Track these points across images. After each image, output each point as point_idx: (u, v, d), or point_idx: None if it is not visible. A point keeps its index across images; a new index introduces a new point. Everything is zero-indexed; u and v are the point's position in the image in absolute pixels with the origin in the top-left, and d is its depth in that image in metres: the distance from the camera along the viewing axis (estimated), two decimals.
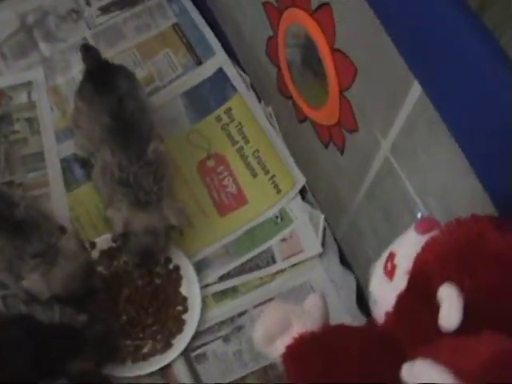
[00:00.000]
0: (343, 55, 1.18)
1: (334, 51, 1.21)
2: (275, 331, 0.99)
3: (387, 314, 0.88)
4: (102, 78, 1.49)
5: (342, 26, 1.16)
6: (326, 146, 1.43)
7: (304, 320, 0.99)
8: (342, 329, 0.97)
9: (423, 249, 0.83)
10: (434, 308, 0.78)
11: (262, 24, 1.49)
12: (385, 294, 0.88)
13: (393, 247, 0.90)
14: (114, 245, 1.57)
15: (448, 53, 0.87)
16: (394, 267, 0.87)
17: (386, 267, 0.88)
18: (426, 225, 0.87)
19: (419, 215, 1.07)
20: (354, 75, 1.17)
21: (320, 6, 1.20)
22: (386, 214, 1.30)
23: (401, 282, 0.85)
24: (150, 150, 1.44)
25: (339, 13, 1.15)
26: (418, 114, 1.05)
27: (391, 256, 0.88)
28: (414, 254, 0.85)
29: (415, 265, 0.83)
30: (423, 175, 1.12)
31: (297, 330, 0.98)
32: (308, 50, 1.31)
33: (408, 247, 0.87)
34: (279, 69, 1.51)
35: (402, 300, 0.85)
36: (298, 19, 1.30)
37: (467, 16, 0.83)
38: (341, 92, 1.25)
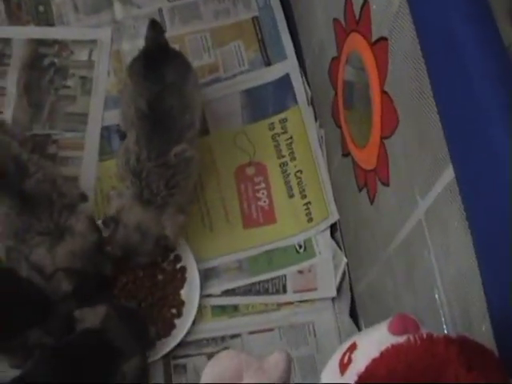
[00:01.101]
0: (390, 100, 1.12)
1: (383, 93, 1.15)
2: (224, 379, 0.92)
3: None
4: (154, 63, 1.44)
5: (394, 71, 1.10)
6: (360, 190, 1.37)
7: (257, 377, 0.92)
8: None
9: (381, 356, 0.74)
10: None
11: (329, 41, 1.44)
12: None
13: (358, 337, 0.82)
14: None
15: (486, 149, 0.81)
16: (349, 361, 0.79)
17: (343, 357, 0.80)
18: (400, 326, 0.79)
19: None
20: (396, 126, 1.11)
21: (379, 40, 1.14)
22: (408, 280, 1.22)
23: (349, 381, 0.76)
24: (173, 153, 1.40)
25: (395, 55, 1.09)
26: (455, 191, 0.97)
27: (352, 347, 0.81)
28: (374, 354, 0.76)
29: (365, 372, 0.74)
30: (446, 252, 1.05)
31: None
32: (362, 83, 1.25)
33: (372, 344, 0.79)
34: (336, 93, 1.45)
35: None
36: (358, 47, 1.25)
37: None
38: (381, 139, 1.19)
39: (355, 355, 0.79)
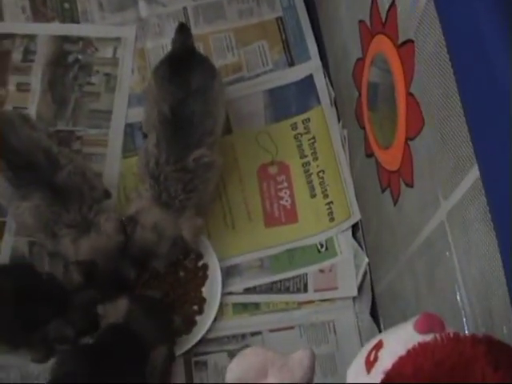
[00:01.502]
0: (415, 102, 1.13)
1: (409, 95, 1.16)
2: (249, 377, 0.94)
3: None
4: (180, 67, 1.45)
5: (420, 73, 1.10)
6: (383, 191, 1.37)
7: (282, 375, 0.94)
8: None
9: (407, 354, 0.76)
10: None
11: (354, 43, 1.45)
12: None
13: (384, 336, 0.84)
14: None
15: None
16: (375, 359, 0.80)
17: (369, 355, 0.82)
18: (426, 324, 0.80)
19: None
20: (421, 127, 1.12)
21: (405, 42, 1.14)
22: (429, 280, 1.23)
23: (376, 379, 0.78)
24: (192, 157, 1.41)
25: (421, 57, 1.09)
26: (478, 192, 0.97)
27: (378, 345, 0.82)
28: (400, 353, 0.77)
29: (392, 370, 0.75)
30: (467, 253, 1.05)
31: (271, 381, 0.92)
32: (387, 84, 1.25)
33: (398, 343, 0.80)
34: (360, 94, 1.46)
35: None
36: (384, 49, 1.25)
37: None
38: (406, 140, 1.19)
39: (381, 353, 0.81)
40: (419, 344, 0.76)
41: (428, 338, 0.79)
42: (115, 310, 1.39)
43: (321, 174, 1.65)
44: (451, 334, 0.76)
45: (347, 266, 1.57)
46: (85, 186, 1.44)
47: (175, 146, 1.40)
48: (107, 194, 1.56)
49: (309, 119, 1.69)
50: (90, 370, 1.27)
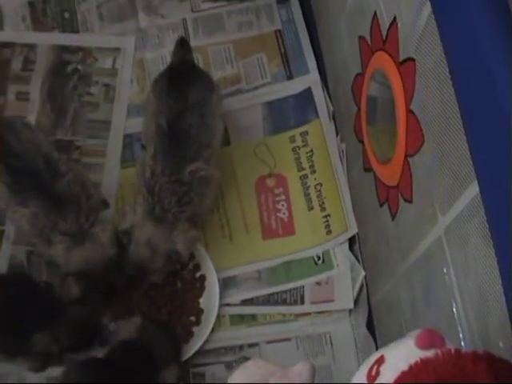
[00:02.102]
0: (416, 119, 1.15)
1: (409, 112, 1.18)
2: None
3: None
4: (179, 81, 1.47)
5: (420, 90, 1.12)
6: (381, 205, 1.39)
7: None
8: None
9: (410, 369, 0.78)
10: None
11: (354, 58, 1.47)
12: None
13: (385, 351, 0.85)
14: None
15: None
16: (377, 374, 0.82)
17: (370, 370, 0.84)
18: (427, 340, 0.82)
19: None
20: (421, 144, 1.14)
21: (406, 60, 1.16)
22: (425, 294, 1.25)
23: None
24: (188, 170, 1.42)
25: (421, 75, 1.11)
26: (477, 208, 0.99)
27: (380, 360, 0.84)
28: (402, 368, 0.80)
29: None
30: (465, 268, 1.07)
31: None
32: (386, 100, 1.27)
33: (400, 358, 0.82)
34: (359, 109, 1.48)
35: None
36: (384, 65, 1.27)
37: None
38: (406, 156, 1.22)
39: (383, 368, 0.82)
40: (421, 360, 0.78)
41: (429, 353, 0.81)
42: (128, 327, 1.41)
43: (318, 187, 1.67)
44: (452, 351, 0.78)
45: (344, 278, 1.59)
46: (83, 196, 1.44)
47: (171, 158, 1.42)
48: (105, 204, 1.58)
49: (307, 132, 1.71)
50: None
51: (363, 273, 1.57)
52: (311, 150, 1.69)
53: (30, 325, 1.38)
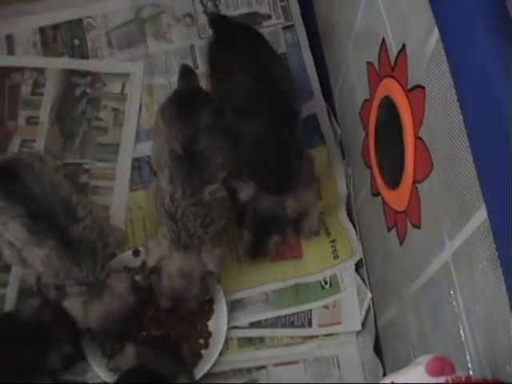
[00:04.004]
0: (424, 146, 1.17)
1: (417, 139, 1.20)
2: None
3: None
4: (188, 106, 1.52)
5: (429, 118, 1.15)
6: (389, 230, 1.42)
7: None
8: None
9: None
10: None
11: (362, 84, 1.50)
12: None
13: (396, 376, 0.88)
14: None
15: None
16: None
17: None
18: (437, 367, 0.85)
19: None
20: (430, 171, 1.16)
21: (415, 87, 1.19)
22: (433, 318, 1.27)
23: None
24: (208, 191, 1.46)
25: (429, 101, 1.14)
26: (485, 234, 1.02)
27: None
28: None
29: None
30: (472, 292, 1.09)
31: None
32: (395, 127, 1.30)
33: None
34: (367, 134, 1.51)
35: None
36: (393, 92, 1.30)
37: None
38: (414, 182, 1.24)
39: None
40: None
41: (440, 380, 0.84)
42: (125, 359, 1.42)
43: (324, 213, 1.70)
44: (463, 378, 0.81)
45: (351, 301, 1.63)
46: (99, 243, 1.46)
47: (191, 181, 1.45)
48: (136, 253, 1.61)
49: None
50: None
51: (370, 295, 1.60)
52: (317, 177, 1.72)
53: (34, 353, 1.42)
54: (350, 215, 1.71)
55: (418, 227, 1.25)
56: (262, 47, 1.60)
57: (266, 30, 1.87)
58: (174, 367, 1.41)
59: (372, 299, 1.60)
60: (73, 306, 1.43)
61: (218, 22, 1.65)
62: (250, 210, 1.52)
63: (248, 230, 1.56)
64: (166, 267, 1.47)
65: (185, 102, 1.53)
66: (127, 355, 1.41)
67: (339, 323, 1.62)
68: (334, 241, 1.68)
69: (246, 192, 1.50)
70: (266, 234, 1.55)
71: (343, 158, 1.75)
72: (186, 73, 1.61)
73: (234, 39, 1.57)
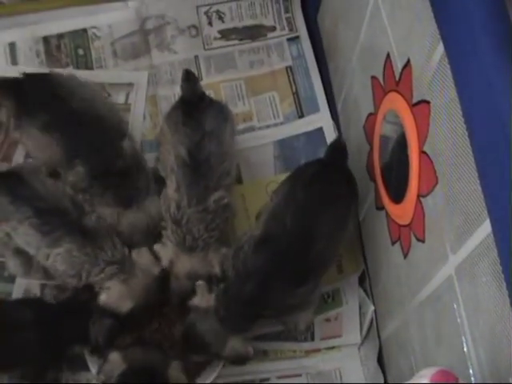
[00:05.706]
0: (429, 161, 1.20)
1: (422, 153, 1.23)
2: None
3: None
4: (193, 111, 1.55)
5: (434, 132, 1.17)
6: (393, 244, 1.44)
7: None
8: None
9: None
10: None
11: (366, 97, 1.53)
12: None
13: None
14: None
15: None
16: None
17: None
18: (441, 380, 0.87)
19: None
20: (434, 185, 1.19)
21: (420, 102, 1.22)
22: (436, 331, 1.29)
23: None
24: (213, 199, 1.49)
25: (434, 116, 1.16)
26: (488, 248, 1.04)
27: None
28: None
29: None
30: (476, 306, 1.11)
31: None
32: (399, 141, 1.33)
33: None
34: (371, 148, 1.54)
35: None
36: (397, 107, 1.33)
37: None
38: (418, 196, 1.27)
39: None
40: None
41: None
42: (112, 366, 1.43)
43: None
44: None
45: (352, 314, 1.64)
46: (112, 230, 1.51)
47: (196, 189, 1.48)
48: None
49: None
50: None
51: (372, 307, 1.61)
52: None
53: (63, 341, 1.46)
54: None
55: (422, 241, 1.27)
56: None
57: (270, 41, 1.91)
58: (162, 357, 1.44)
59: (375, 312, 1.62)
60: (114, 288, 1.46)
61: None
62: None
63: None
64: (173, 269, 1.50)
65: (190, 107, 1.56)
66: (113, 362, 1.43)
67: (340, 336, 1.64)
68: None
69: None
70: None
71: None
72: (189, 78, 1.63)
73: None
